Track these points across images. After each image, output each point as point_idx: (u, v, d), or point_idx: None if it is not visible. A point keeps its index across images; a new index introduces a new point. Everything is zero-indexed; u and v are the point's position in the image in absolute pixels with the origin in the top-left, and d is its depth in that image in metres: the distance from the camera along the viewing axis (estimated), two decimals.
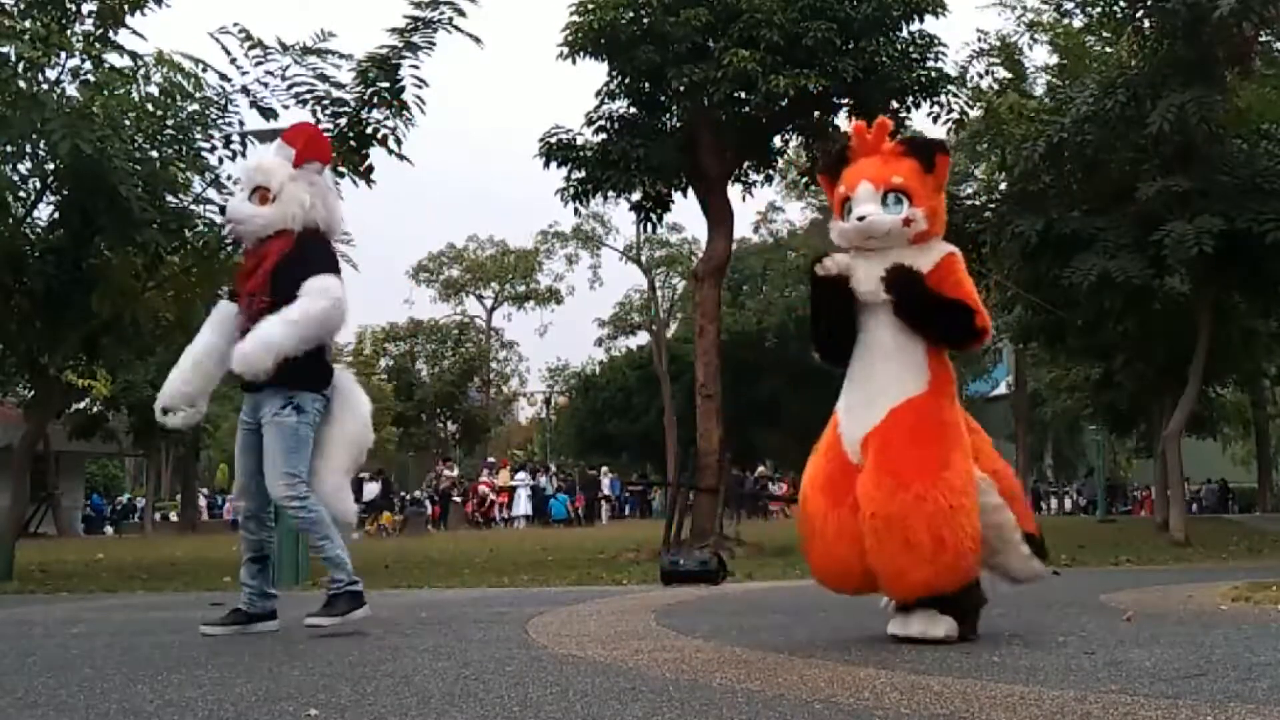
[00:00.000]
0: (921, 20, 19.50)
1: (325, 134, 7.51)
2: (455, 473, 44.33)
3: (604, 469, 51.66)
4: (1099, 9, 20.90)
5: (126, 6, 14.88)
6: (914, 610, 5.75)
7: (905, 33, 19.49)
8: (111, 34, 14.88)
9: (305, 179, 7.01)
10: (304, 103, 15.15)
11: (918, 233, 5.95)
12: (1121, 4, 19.86)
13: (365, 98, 15.33)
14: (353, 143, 15.44)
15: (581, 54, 19.53)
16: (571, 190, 20.19)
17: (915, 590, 5.67)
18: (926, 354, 5.87)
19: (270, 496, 6.94)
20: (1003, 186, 22.13)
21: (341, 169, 15.31)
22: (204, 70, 14.64)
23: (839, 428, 5.98)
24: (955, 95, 19.85)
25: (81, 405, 36.30)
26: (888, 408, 5.75)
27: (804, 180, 30.77)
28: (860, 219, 5.93)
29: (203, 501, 58.30)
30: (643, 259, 65.26)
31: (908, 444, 5.65)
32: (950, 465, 5.64)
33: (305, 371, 6.88)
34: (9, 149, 14.07)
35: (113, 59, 14.75)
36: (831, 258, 6.03)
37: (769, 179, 22.61)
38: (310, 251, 6.91)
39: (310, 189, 7.00)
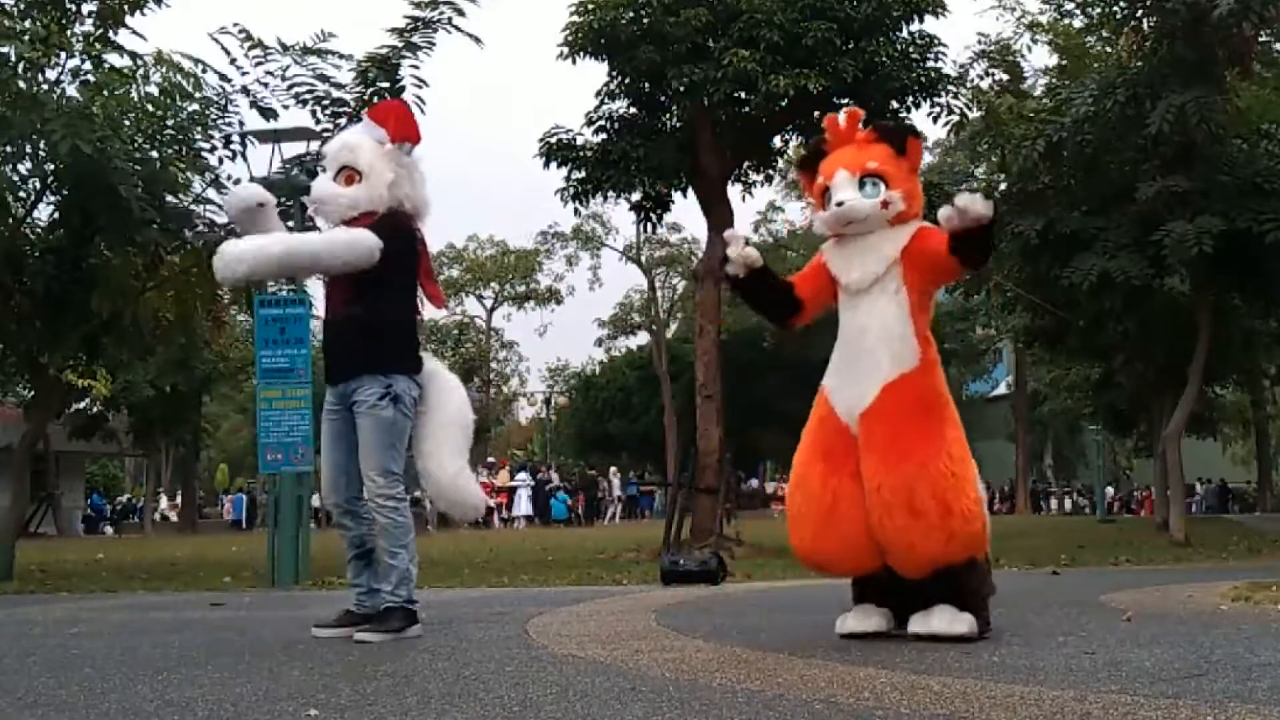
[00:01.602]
0: (921, 20, 19.50)
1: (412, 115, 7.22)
2: None
3: (613, 470, 51.55)
4: (1099, 9, 20.88)
5: (126, 6, 14.87)
6: (933, 608, 5.76)
7: (905, 33, 19.48)
8: (111, 34, 14.86)
9: (394, 159, 6.76)
10: (304, 103, 15.16)
11: (896, 214, 6.05)
12: (1121, 4, 19.84)
13: (365, 98, 15.30)
14: None
15: (581, 54, 19.53)
16: (571, 190, 20.19)
17: (925, 564, 5.72)
18: (915, 333, 5.96)
19: (362, 488, 6.70)
20: (1002, 187, 22.10)
21: None
22: (204, 70, 14.63)
23: (831, 402, 6.07)
24: (955, 95, 19.85)
25: (81, 405, 36.25)
26: (882, 383, 5.85)
27: None
28: (839, 204, 6.03)
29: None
30: (643, 259, 65.11)
31: (907, 417, 5.77)
32: (947, 435, 5.79)
33: (400, 353, 6.74)
34: (9, 149, 14.05)
35: (113, 59, 14.74)
36: (737, 254, 6.18)
37: (769, 179, 22.64)
38: (387, 228, 6.63)
39: (398, 169, 6.76)
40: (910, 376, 5.86)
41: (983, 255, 6.14)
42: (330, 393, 6.81)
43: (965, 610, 5.74)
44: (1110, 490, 52.86)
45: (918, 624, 5.78)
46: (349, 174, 6.71)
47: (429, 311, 7.18)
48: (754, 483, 55.06)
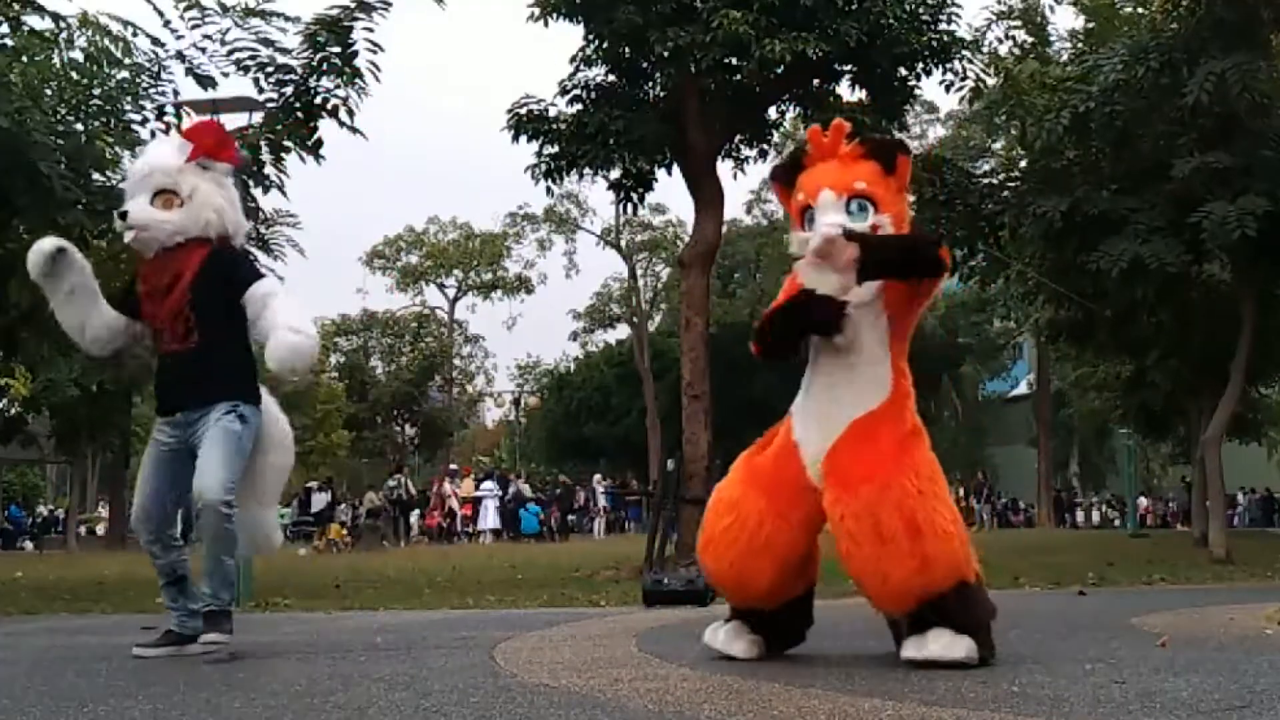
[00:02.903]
0: None
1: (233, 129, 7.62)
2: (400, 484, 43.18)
3: (597, 477, 51.55)
4: None
5: None
6: (928, 631, 5.75)
7: None
8: None
9: (216, 181, 7.10)
10: (245, 70, 15.10)
11: None
12: None
13: (314, 64, 15.27)
14: (299, 114, 15.39)
15: (554, 15, 19.45)
16: (543, 167, 20.10)
17: (905, 595, 5.74)
18: (890, 365, 6.07)
19: (170, 517, 7.24)
20: (1023, 163, 22.12)
21: (287, 143, 15.28)
22: (134, 34, 14.59)
23: (794, 436, 6.15)
24: (970, 61, 19.82)
25: None
26: (847, 423, 5.95)
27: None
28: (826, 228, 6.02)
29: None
30: (622, 244, 65.13)
31: (867, 445, 5.85)
32: (913, 454, 5.88)
33: (248, 384, 7.09)
34: None
35: (32, 21, 14.69)
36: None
37: (763, 154, 22.53)
38: (232, 263, 7.07)
39: (222, 192, 7.10)
40: (878, 412, 5.97)
41: (899, 271, 6.09)
42: (165, 423, 7.17)
43: (963, 634, 5.75)
44: (1143, 501, 52.91)
45: (912, 649, 5.78)
46: (167, 197, 7.01)
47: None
48: None
